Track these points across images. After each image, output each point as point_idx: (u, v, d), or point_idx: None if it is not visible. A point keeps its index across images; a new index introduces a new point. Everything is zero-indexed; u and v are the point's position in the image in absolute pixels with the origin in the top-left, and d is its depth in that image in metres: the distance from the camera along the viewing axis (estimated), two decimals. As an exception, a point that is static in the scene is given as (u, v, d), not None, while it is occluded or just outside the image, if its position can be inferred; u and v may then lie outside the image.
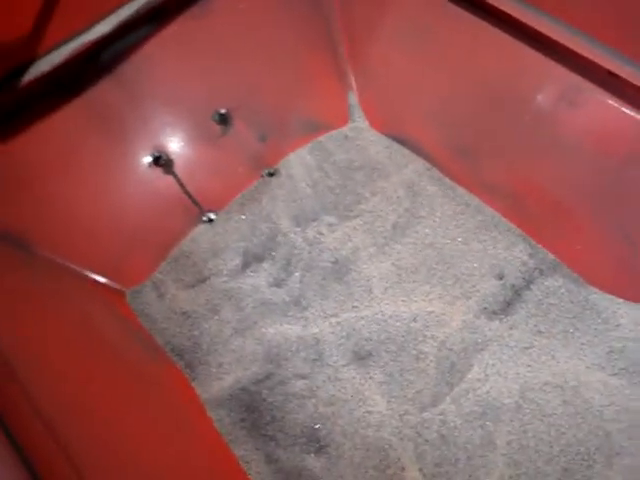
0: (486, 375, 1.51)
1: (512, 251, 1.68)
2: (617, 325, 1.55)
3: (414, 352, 1.56)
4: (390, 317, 1.61)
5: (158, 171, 1.76)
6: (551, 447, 1.40)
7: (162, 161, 1.75)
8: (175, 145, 1.80)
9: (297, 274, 1.71)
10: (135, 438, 1.31)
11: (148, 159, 1.75)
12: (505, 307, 1.60)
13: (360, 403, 1.51)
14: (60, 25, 1.59)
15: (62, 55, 1.60)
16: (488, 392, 1.49)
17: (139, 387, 1.48)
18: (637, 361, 1.49)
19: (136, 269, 1.73)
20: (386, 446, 1.45)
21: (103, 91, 1.72)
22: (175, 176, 1.78)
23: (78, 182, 1.69)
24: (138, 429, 1.34)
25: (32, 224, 1.62)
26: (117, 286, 1.69)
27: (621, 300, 1.59)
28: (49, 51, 1.59)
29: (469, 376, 1.52)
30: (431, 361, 1.54)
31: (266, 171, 1.88)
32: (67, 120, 1.67)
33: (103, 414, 1.29)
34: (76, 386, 1.31)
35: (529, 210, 1.72)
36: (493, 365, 1.53)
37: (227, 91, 1.87)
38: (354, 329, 1.60)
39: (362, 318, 1.62)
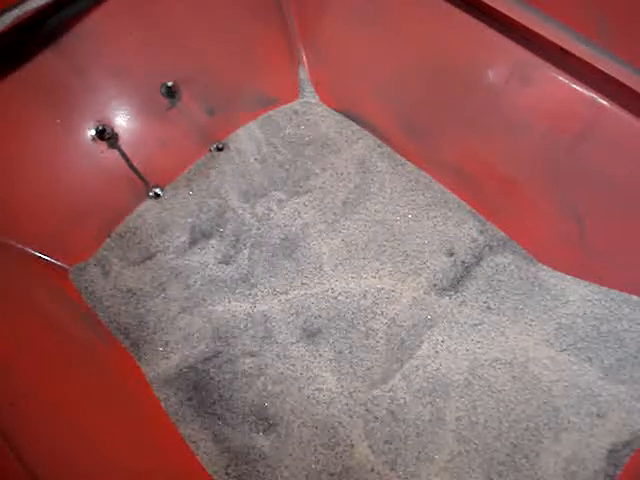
0: (436, 352, 1.51)
1: (462, 228, 1.68)
2: (566, 302, 1.57)
3: (364, 329, 1.55)
4: (340, 294, 1.60)
5: (103, 145, 1.71)
6: (500, 423, 1.41)
7: (107, 134, 1.70)
8: (120, 118, 1.75)
9: (246, 251, 1.69)
10: (81, 419, 1.28)
11: (92, 132, 1.70)
12: (455, 284, 1.61)
13: (310, 381, 1.49)
14: (0, -7, 1.53)
15: (3, 24, 1.54)
16: (438, 369, 1.49)
17: (85, 367, 1.44)
18: (585, 337, 1.51)
19: (80, 246, 1.68)
20: (335, 423, 1.44)
21: (46, 62, 1.66)
22: (120, 150, 1.73)
23: (18, 156, 1.63)
24: (84, 410, 1.31)
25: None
26: (60, 263, 1.65)
27: (570, 277, 1.60)
28: (-12, 20, 1.54)
29: (419, 353, 1.52)
30: (381, 338, 1.54)
31: (214, 145, 1.84)
32: (7, 92, 1.61)
33: (50, 396, 1.26)
34: (20, 368, 1.27)
35: (480, 187, 1.72)
36: (443, 342, 1.53)
37: (175, 64, 1.83)
38: (303, 306, 1.59)
39: (312, 295, 1.60)
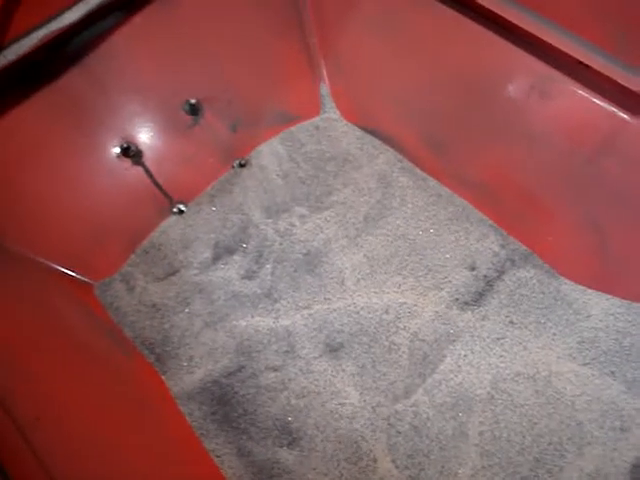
0: (458, 366, 1.51)
1: (484, 242, 1.68)
2: (588, 316, 1.56)
3: (386, 343, 1.56)
4: (362, 309, 1.60)
5: (127, 162, 1.74)
6: (523, 437, 1.41)
7: (131, 152, 1.73)
8: (145, 136, 1.77)
9: (269, 266, 1.70)
10: (106, 434, 1.29)
11: (117, 150, 1.72)
12: (477, 298, 1.61)
13: (332, 395, 1.50)
14: (27, 13, 1.56)
15: (30, 43, 1.56)
16: (460, 383, 1.49)
17: (110, 382, 1.46)
18: (608, 351, 1.50)
19: (105, 262, 1.71)
20: (359, 438, 1.44)
21: (71, 81, 1.69)
22: (144, 167, 1.75)
23: (46, 174, 1.66)
24: (109, 424, 1.32)
25: (-2, 217, 1.59)
26: (86, 279, 1.67)
27: (592, 291, 1.60)
28: (16, 40, 1.56)
29: (441, 367, 1.52)
30: (403, 352, 1.54)
31: (237, 162, 1.86)
32: (34, 110, 1.64)
33: (74, 410, 1.27)
34: (47, 382, 1.28)
35: (501, 201, 1.72)
36: (465, 356, 1.53)
37: (197, 81, 1.85)
38: (326, 321, 1.59)
39: (334, 310, 1.61)
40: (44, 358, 1.34)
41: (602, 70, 1.48)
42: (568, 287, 1.61)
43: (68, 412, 1.25)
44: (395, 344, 1.56)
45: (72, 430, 1.22)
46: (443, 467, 1.40)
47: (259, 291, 1.66)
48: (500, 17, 1.60)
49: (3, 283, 1.48)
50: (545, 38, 1.54)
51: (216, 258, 1.71)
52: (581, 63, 1.51)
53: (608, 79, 1.48)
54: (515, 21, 1.57)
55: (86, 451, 1.21)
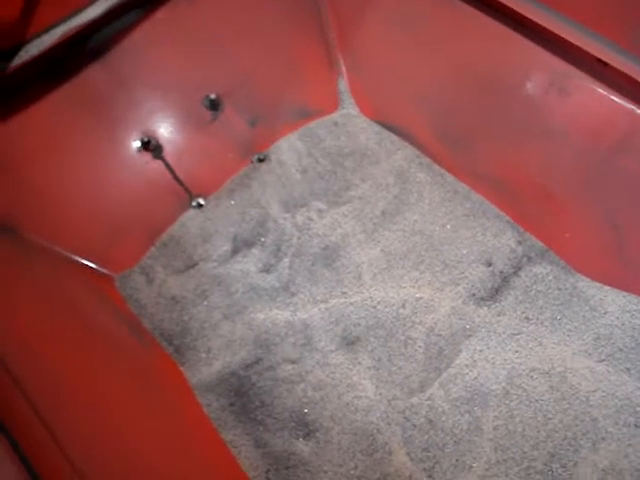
0: (474, 361, 1.52)
1: (500, 238, 1.68)
2: (604, 312, 1.56)
3: (402, 338, 1.57)
4: (379, 303, 1.62)
5: (147, 156, 1.76)
6: (538, 432, 1.41)
7: (151, 146, 1.75)
8: (165, 130, 1.79)
9: (286, 260, 1.71)
10: (124, 423, 1.31)
11: (137, 144, 1.75)
12: (493, 294, 1.61)
13: (349, 388, 1.51)
14: (50, 8, 1.58)
15: (52, 39, 1.59)
16: (476, 378, 1.50)
17: (129, 372, 1.48)
18: (623, 348, 1.51)
19: (125, 254, 1.72)
20: (374, 431, 1.45)
21: (92, 76, 1.71)
22: (164, 161, 1.77)
23: (67, 167, 1.68)
24: (128, 415, 1.34)
25: (20, 208, 1.61)
26: (106, 271, 1.69)
27: (608, 287, 1.60)
28: (38, 35, 1.58)
29: (457, 362, 1.53)
30: (419, 347, 1.55)
31: (256, 157, 1.87)
32: (56, 105, 1.66)
33: (95, 401, 1.29)
34: (67, 373, 1.31)
35: (518, 197, 1.72)
36: (481, 351, 1.54)
37: (217, 77, 1.86)
38: (343, 315, 1.61)
39: (351, 304, 1.62)
40: (63, 348, 1.36)
41: (620, 67, 1.48)
42: (584, 284, 1.62)
43: (86, 401, 1.27)
44: (411, 338, 1.57)
45: (91, 418, 1.24)
46: (457, 461, 1.41)
47: (277, 284, 1.68)
48: (518, 14, 1.60)
49: (24, 274, 1.50)
50: (563, 35, 1.54)
51: (235, 251, 1.73)
52: (600, 60, 1.51)
53: (626, 76, 1.48)
54: (533, 18, 1.58)
55: (103, 437, 1.23)
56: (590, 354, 1.51)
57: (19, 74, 1.58)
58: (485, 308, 1.60)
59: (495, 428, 1.43)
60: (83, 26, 1.62)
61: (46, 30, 1.58)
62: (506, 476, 1.38)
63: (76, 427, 1.18)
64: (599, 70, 1.53)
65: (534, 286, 1.62)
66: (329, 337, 1.58)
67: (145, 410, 1.40)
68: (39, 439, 1.08)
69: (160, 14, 1.78)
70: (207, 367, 1.57)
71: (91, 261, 1.67)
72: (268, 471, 1.43)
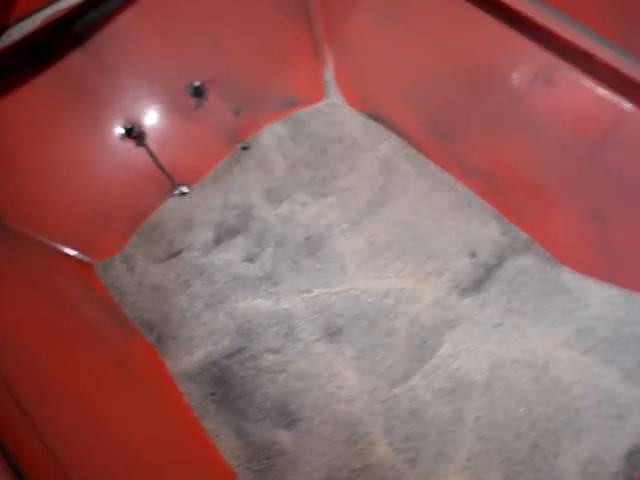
0: (457, 352, 1.52)
1: (485, 229, 1.68)
2: (587, 304, 1.57)
3: (385, 328, 1.56)
4: (362, 293, 1.61)
5: (130, 143, 1.74)
6: (520, 423, 1.42)
7: (134, 133, 1.73)
8: (148, 117, 1.78)
9: (270, 249, 1.70)
10: (105, 412, 1.30)
11: (120, 131, 1.73)
12: (477, 285, 1.61)
13: (331, 378, 1.51)
14: (33, -8, 1.57)
15: (34, 23, 1.57)
16: (458, 368, 1.50)
17: (109, 361, 1.47)
18: (606, 339, 1.51)
19: (106, 242, 1.71)
20: (356, 421, 1.45)
21: (75, 61, 1.69)
22: (147, 149, 1.76)
23: (48, 153, 1.67)
24: (107, 402, 1.33)
25: (2, 196, 1.59)
26: (87, 259, 1.67)
27: (592, 280, 1.60)
28: (21, 19, 1.56)
29: (440, 352, 1.53)
30: (402, 337, 1.55)
31: (240, 145, 1.86)
32: (37, 91, 1.65)
33: (77, 393, 1.28)
34: (50, 364, 1.30)
35: (502, 189, 1.72)
36: (464, 342, 1.53)
37: (202, 64, 1.85)
38: (326, 305, 1.60)
39: (334, 294, 1.62)
40: (47, 339, 1.35)
41: (607, 59, 1.48)
42: (568, 275, 1.62)
43: (68, 389, 1.26)
44: (394, 329, 1.56)
45: (71, 407, 1.23)
46: (440, 451, 1.40)
47: (260, 274, 1.67)
48: (504, 4, 1.60)
49: (4, 262, 1.49)
50: (550, 26, 1.54)
51: (217, 240, 1.71)
52: (586, 52, 1.51)
53: (613, 69, 1.48)
54: (520, 9, 1.58)
55: (85, 428, 1.21)
56: (573, 346, 1.51)
57: (1, 59, 1.55)
58: (469, 299, 1.60)
59: (477, 419, 1.43)
60: (67, 10, 1.61)
61: (29, 14, 1.56)
62: (488, 466, 1.38)
63: (59, 419, 1.17)
64: (585, 62, 1.53)
65: (518, 277, 1.62)
66: (312, 327, 1.57)
67: (127, 400, 1.39)
68: (21, 432, 1.07)
69: (144, 0, 1.76)
70: (188, 356, 1.56)
71: (72, 249, 1.66)
72: (249, 460, 1.42)
